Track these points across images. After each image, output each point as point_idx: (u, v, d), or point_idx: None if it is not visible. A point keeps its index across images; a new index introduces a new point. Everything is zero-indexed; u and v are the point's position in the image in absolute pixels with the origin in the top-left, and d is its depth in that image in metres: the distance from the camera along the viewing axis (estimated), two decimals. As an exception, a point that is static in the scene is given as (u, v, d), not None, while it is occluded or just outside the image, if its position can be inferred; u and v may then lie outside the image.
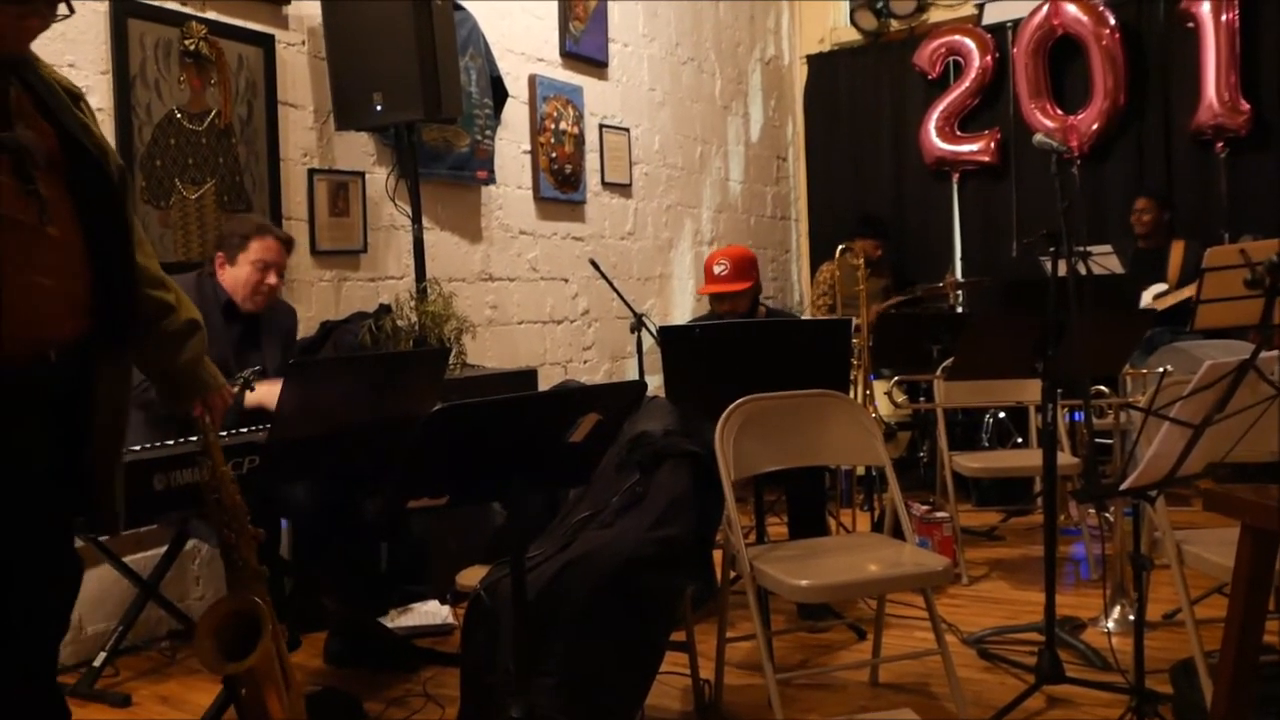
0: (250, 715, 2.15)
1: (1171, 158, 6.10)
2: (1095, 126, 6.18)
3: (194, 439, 2.16)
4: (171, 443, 2.57)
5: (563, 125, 5.27)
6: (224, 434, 2.62)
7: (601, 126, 5.58)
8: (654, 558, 2.38)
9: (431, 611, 3.48)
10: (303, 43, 4.03)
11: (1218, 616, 2.89)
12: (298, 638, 3.20)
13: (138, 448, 2.50)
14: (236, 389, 2.25)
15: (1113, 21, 6.10)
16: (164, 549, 3.19)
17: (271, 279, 3.20)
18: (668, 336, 3.19)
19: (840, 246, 5.01)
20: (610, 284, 4.42)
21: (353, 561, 3.20)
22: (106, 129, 3.35)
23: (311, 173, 4.04)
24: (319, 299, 4.06)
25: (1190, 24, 5.88)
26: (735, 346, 3.12)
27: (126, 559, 3.16)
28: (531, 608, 2.12)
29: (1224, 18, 5.73)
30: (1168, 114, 6.10)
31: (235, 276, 3.17)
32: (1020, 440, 5.08)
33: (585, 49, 5.45)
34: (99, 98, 3.35)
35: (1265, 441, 2.39)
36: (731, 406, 2.71)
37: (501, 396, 1.92)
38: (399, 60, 3.74)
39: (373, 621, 3.19)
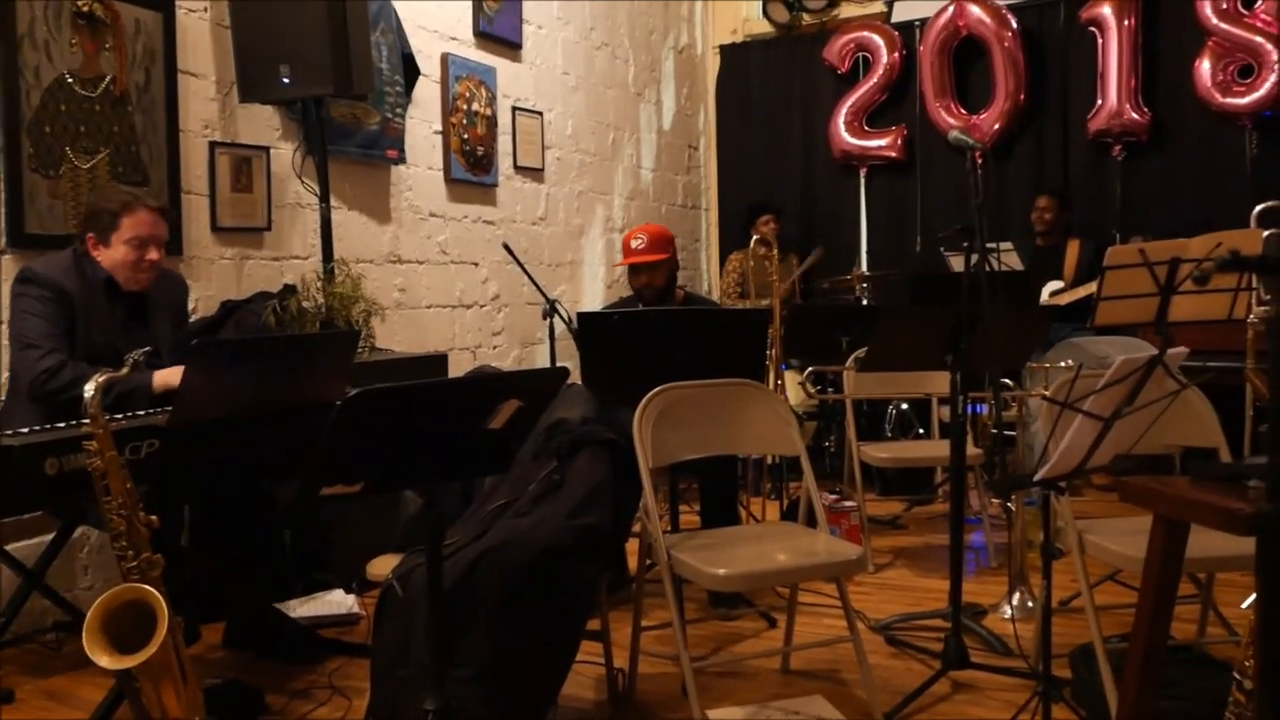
0: (145, 711, 2.06)
1: (1069, 158, 6.31)
2: (997, 126, 6.34)
3: (86, 422, 2.04)
4: (63, 425, 2.44)
5: (475, 106, 5.18)
6: (120, 416, 2.50)
7: (514, 109, 5.50)
8: (572, 546, 2.35)
9: (336, 601, 3.39)
10: (205, 9, 3.86)
11: (1112, 603, 3.01)
12: (196, 630, 3.08)
13: (26, 430, 2.37)
14: (126, 371, 2.12)
15: (1015, 24, 6.27)
16: (50, 536, 3.02)
17: (152, 254, 2.96)
18: (585, 323, 3.15)
19: (755, 238, 5.05)
20: (524, 269, 4.37)
21: (255, 549, 3.09)
22: (-9, 91, 3.17)
23: (213, 145, 3.87)
24: (220, 277, 3.91)
25: (1092, 28, 6.08)
26: (652, 334, 3.10)
27: (9, 547, 3.00)
28: (447, 598, 2.07)
29: (1126, 23, 5.94)
30: (1066, 116, 6.30)
31: (112, 257, 2.92)
32: (921, 431, 5.20)
33: (499, 29, 5.36)
34: (-17, 58, 3.15)
35: (1163, 435, 2.49)
36: (650, 395, 2.69)
37: (422, 381, 1.86)
38: (308, 32, 3.61)
39: (275, 611, 3.09)
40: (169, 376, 2.78)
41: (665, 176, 7.07)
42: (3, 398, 3.08)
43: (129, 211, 2.92)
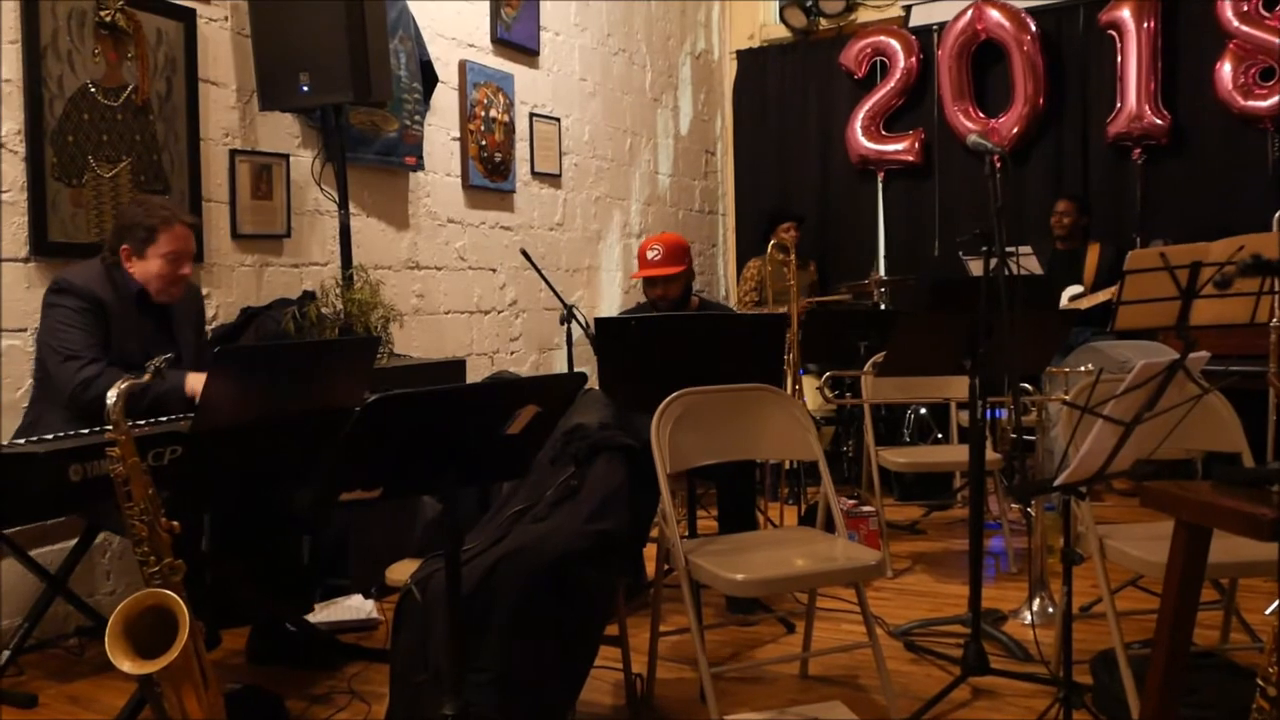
0: (166, 715, 2.08)
1: (1088, 162, 6.28)
2: (1015, 130, 6.32)
3: (109, 428, 2.06)
4: (86, 432, 2.46)
5: (493, 113, 5.20)
6: (143, 422, 2.52)
7: (532, 115, 5.52)
8: (589, 551, 2.35)
9: (355, 606, 3.40)
10: (226, 18, 3.89)
11: (1134, 609, 2.99)
12: (217, 635, 3.09)
13: (51, 437, 2.39)
14: (147, 378, 2.14)
15: (1034, 28, 6.25)
16: (72, 542, 3.05)
17: (185, 269, 3.02)
18: (603, 329, 3.16)
19: (772, 243, 5.05)
20: (541, 275, 4.38)
21: (274, 555, 3.10)
22: (14, 101, 3.21)
23: (233, 153, 3.90)
24: (240, 284, 3.94)
25: (1112, 31, 6.05)
26: (670, 340, 3.10)
27: (32, 552, 3.02)
28: (465, 603, 2.08)
29: (1145, 26, 5.91)
30: (1085, 119, 6.27)
31: (146, 270, 2.96)
32: (940, 436, 5.18)
33: (517, 36, 5.38)
34: (7, 68, 3.19)
35: (1185, 440, 2.47)
36: (668, 400, 2.70)
37: (441, 386, 1.87)
38: (327, 40, 3.63)
39: (295, 616, 3.10)
40: (200, 380, 2.79)
41: (682, 182, 7.07)
42: (20, 404, 3.12)
43: (168, 226, 2.96)
